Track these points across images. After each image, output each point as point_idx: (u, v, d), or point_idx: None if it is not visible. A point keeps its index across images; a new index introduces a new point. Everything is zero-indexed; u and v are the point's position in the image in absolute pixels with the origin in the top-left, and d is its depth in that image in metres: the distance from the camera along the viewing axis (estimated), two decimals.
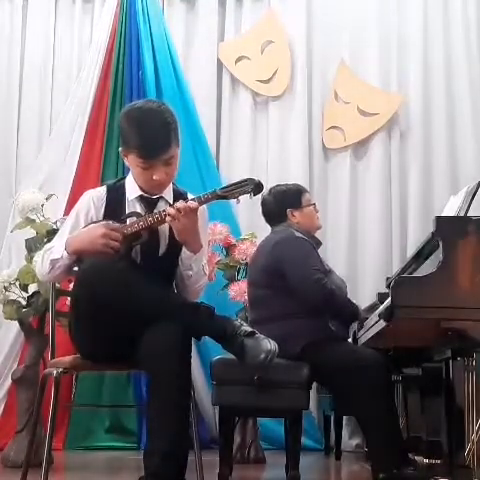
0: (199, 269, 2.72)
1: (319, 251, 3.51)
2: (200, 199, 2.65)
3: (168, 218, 2.59)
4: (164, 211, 2.61)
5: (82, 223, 2.73)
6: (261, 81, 5.72)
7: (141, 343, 2.48)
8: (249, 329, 2.52)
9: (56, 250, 2.69)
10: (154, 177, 2.65)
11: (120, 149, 2.74)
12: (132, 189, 2.75)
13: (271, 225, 3.61)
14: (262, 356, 2.46)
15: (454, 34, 5.68)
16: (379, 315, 2.90)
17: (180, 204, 2.58)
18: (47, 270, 2.71)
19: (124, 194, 2.75)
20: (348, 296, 3.51)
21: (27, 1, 5.76)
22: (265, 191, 3.62)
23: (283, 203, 3.55)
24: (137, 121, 2.62)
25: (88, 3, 5.80)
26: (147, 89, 5.46)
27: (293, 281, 3.29)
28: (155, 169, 2.64)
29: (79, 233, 2.69)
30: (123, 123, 2.68)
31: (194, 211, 2.58)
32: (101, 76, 5.52)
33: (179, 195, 2.78)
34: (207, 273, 2.79)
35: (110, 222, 2.64)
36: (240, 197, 2.65)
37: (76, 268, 2.70)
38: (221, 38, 5.81)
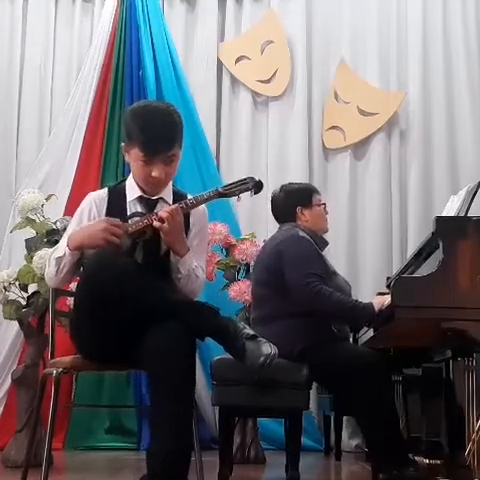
0: (188, 272, 2.69)
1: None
2: (202, 197, 2.67)
3: (156, 223, 2.60)
4: (154, 214, 2.62)
5: (85, 224, 2.74)
6: (261, 81, 5.72)
7: (143, 342, 2.47)
8: (251, 332, 2.50)
9: (60, 248, 2.71)
10: (153, 173, 2.65)
11: (122, 144, 2.75)
12: (132, 190, 2.76)
13: (279, 222, 3.59)
14: (261, 360, 2.44)
15: (454, 34, 5.68)
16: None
17: (163, 212, 2.60)
18: (54, 272, 2.71)
19: (125, 195, 2.76)
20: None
21: (27, 1, 5.76)
22: (276, 188, 3.63)
23: (293, 200, 3.52)
24: (143, 116, 2.65)
25: (88, 3, 5.80)
26: (147, 89, 5.45)
27: (287, 281, 3.28)
28: (155, 166, 2.65)
29: (80, 228, 2.70)
30: (128, 118, 2.70)
31: (178, 214, 2.61)
32: (101, 76, 5.52)
33: (179, 196, 2.79)
34: (200, 276, 2.74)
35: (111, 218, 2.64)
36: (241, 195, 2.66)
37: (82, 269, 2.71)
38: (221, 38, 5.81)
